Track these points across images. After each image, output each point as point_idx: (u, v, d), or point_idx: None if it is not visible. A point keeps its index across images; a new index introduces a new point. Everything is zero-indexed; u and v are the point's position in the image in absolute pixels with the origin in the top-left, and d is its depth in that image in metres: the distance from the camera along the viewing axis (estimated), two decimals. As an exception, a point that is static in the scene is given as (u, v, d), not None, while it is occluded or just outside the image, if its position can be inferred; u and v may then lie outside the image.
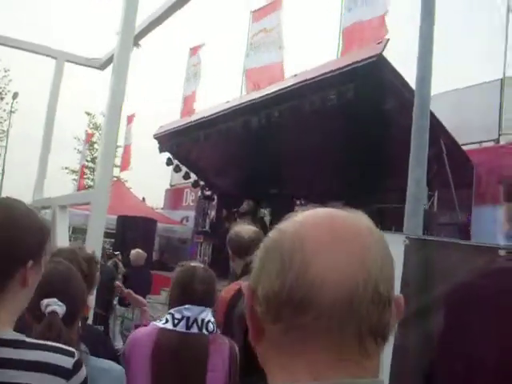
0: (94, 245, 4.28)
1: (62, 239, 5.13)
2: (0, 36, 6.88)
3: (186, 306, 3.06)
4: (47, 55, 7.11)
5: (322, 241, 0.91)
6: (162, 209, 27.86)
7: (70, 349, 1.63)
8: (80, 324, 2.34)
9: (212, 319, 3.13)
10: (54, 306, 2.01)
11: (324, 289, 0.85)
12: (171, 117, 21.37)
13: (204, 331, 3.07)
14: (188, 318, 3.05)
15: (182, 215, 24.72)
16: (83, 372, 1.63)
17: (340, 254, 0.89)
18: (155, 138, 18.83)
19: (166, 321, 3.08)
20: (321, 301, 0.85)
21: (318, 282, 0.86)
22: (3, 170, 35.40)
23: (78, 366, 1.61)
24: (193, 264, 3.30)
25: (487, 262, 3.92)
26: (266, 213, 19.62)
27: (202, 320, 3.07)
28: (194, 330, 3.05)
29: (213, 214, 21.27)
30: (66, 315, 2.03)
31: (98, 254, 4.01)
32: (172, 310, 3.10)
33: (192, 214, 23.41)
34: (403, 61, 11.09)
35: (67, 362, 1.58)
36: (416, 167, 6.02)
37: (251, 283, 0.97)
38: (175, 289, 3.18)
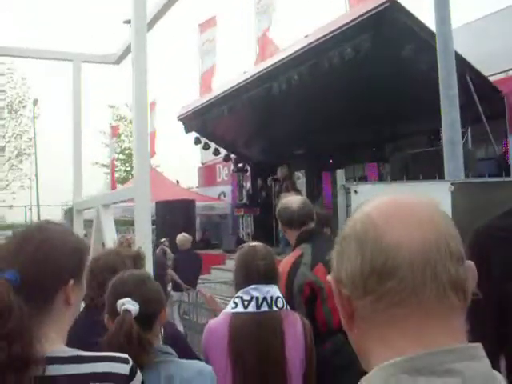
0: (143, 239, 4.33)
1: (109, 237, 5.20)
2: (17, 48, 6.92)
3: (253, 286, 3.11)
4: (64, 59, 7.13)
5: (390, 213, 0.98)
6: (197, 188, 27.98)
7: (124, 356, 1.67)
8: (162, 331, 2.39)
9: (280, 295, 3.17)
10: (128, 304, 2.06)
11: (401, 252, 0.91)
12: (191, 97, 21.36)
13: (274, 308, 3.11)
14: (257, 298, 3.09)
15: (219, 191, 24.80)
16: (139, 376, 1.67)
17: (409, 221, 0.96)
18: (179, 120, 18.84)
19: (236, 305, 3.13)
20: (400, 263, 0.91)
21: (394, 247, 0.92)
22: (36, 175, 35.99)
23: (133, 370, 1.65)
24: (252, 244, 3.35)
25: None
26: (300, 175, 19.62)
27: (271, 297, 3.11)
28: (265, 308, 3.09)
29: (248, 185, 21.29)
30: (142, 316, 2.08)
31: (149, 248, 4.07)
32: (240, 293, 3.15)
33: (228, 188, 23.46)
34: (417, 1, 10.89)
35: (124, 369, 1.62)
36: (448, 109, 5.94)
37: (334, 274, 1.02)
38: (239, 270, 3.24)
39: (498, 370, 2.16)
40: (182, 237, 11.78)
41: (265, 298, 3.09)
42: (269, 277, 3.16)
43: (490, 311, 2.08)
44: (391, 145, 16.14)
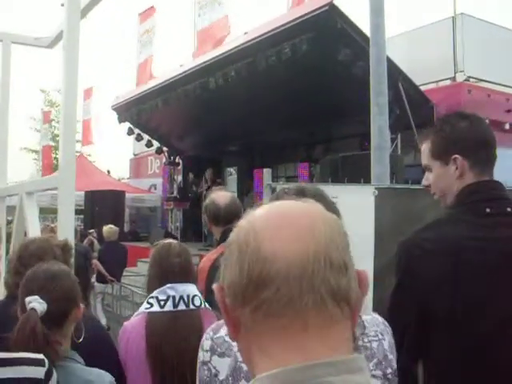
0: (66, 229, 4.26)
1: (32, 226, 5.07)
2: None
3: (169, 285, 3.06)
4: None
5: (272, 221, 0.98)
6: (129, 179, 27.69)
7: (40, 357, 1.62)
8: (75, 328, 2.32)
9: (198, 293, 3.13)
10: (34, 303, 2.00)
11: (277, 261, 0.91)
12: (128, 87, 21.13)
13: (192, 306, 3.07)
14: (174, 297, 3.05)
15: (149, 183, 24.63)
16: (55, 378, 1.64)
17: (288, 231, 0.95)
18: (113, 109, 18.60)
19: (151, 305, 3.07)
20: (276, 274, 0.90)
21: (271, 256, 0.91)
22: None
23: (49, 373, 1.61)
24: (167, 241, 3.31)
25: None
26: (232, 171, 19.66)
27: (188, 296, 3.07)
28: (182, 307, 3.04)
29: (179, 178, 21.22)
30: (50, 315, 2.02)
31: (71, 239, 3.98)
32: (155, 293, 3.08)
33: (159, 181, 23.29)
34: (355, 7, 11.05)
35: (39, 373, 1.57)
36: (377, 115, 6.05)
37: (220, 282, 1.02)
38: (153, 267, 3.19)
39: (416, 377, 2.21)
40: (109, 228, 11.66)
41: (181, 297, 3.05)
42: (184, 275, 3.12)
43: (410, 322, 2.13)
44: (324, 146, 16.37)
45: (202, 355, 1.86)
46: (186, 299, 3.06)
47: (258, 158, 18.21)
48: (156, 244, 3.31)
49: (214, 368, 1.81)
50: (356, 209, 4.06)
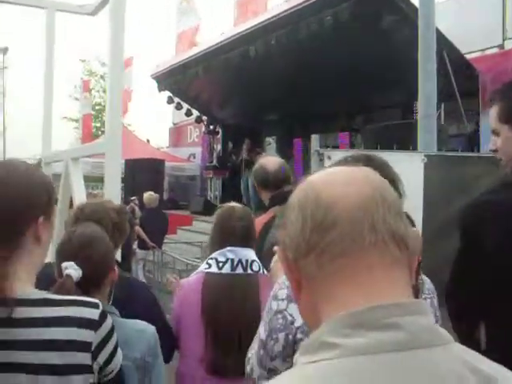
0: (113, 195, 4.28)
1: (78, 191, 5.12)
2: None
3: (229, 248, 3.08)
4: (37, 6, 6.93)
5: (328, 177, 1.05)
6: (168, 148, 27.81)
7: (94, 300, 1.65)
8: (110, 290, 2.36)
9: (256, 259, 3.14)
10: (70, 269, 2.03)
11: (338, 205, 0.95)
12: (167, 56, 21.15)
13: (249, 271, 3.08)
14: (232, 260, 3.07)
15: (189, 152, 24.69)
16: (109, 321, 1.66)
17: (345, 180, 1.01)
18: (153, 78, 18.63)
19: (209, 265, 3.09)
20: (339, 216, 0.94)
21: (331, 202, 0.96)
22: (4, 128, 35.31)
23: (103, 316, 1.63)
24: (231, 204, 3.31)
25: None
26: (271, 141, 19.61)
27: (247, 260, 3.09)
28: (240, 271, 3.06)
29: (219, 147, 21.24)
30: (86, 280, 2.04)
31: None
32: (214, 254, 3.11)
33: (198, 150, 23.37)
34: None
35: (93, 314, 1.60)
36: (426, 82, 5.93)
37: (280, 240, 1.06)
38: (215, 230, 3.20)
39: (479, 338, 2.21)
40: (149, 195, 11.75)
41: (240, 261, 3.06)
42: (246, 239, 3.13)
43: (477, 286, 2.11)
44: (364, 116, 16.20)
45: (275, 304, 1.94)
46: (244, 263, 3.08)
47: (297, 127, 18.10)
48: (220, 207, 3.32)
49: (291, 315, 1.89)
50: (404, 176, 4.00)
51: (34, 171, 1.73)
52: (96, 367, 1.59)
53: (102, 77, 38.56)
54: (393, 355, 0.84)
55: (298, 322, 1.86)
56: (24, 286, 1.57)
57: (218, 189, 20.09)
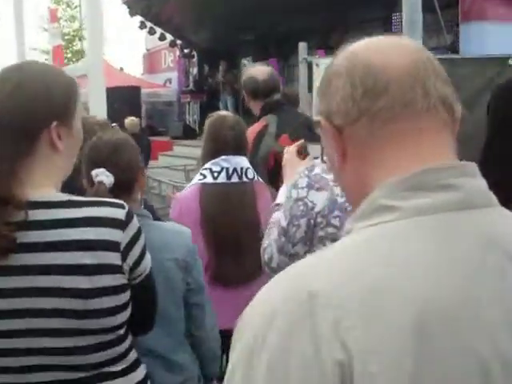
0: (99, 115, 4.25)
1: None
2: None
3: (223, 157, 3.06)
4: None
5: (372, 45, 1.01)
6: (143, 75, 27.38)
7: (120, 201, 1.61)
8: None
9: (250, 166, 3.14)
10: (102, 176, 2.02)
11: (389, 70, 0.93)
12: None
13: (245, 179, 3.09)
14: (227, 169, 3.06)
15: (164, 78, 24.33)
16: (136, 222, 1.63)
17: (392, 46, 0.98)
18: (124, 3, 18.17)
19: (204, 176, 3.08)
20: (390, 80, 0.92)
21: (382, 67, 0.94)
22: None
23: (130, 215, 1.60)
24: (222, 113, 3.29)
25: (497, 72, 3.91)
26: (246, 63, 19.38)
27: (241, 168, 3.08)
28: (235, 179, 3.06)
29: (195, 71, 20.96)
30: (118, 185, 2.04)
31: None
32: (208, 164, 3.09)
33: (174, 75, 23.04)
34: None
35: (120, 214, 1.57)
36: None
37: (322, 111, 1.02)
38: (207, 140, 3.17)
39: None
40: (131, 120, 11.67)
41: (235, 169, 3.06)
42: (239, 147, 3.11)
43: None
44: (340, 32, 15.93)
45: (295, 193, 2.06)
46: (239, 171, 3.08)
47: (272, 48, 17.84)
48: (210, 116, 3.29)
49: (311, 202, 2.03)
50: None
51: (53, 73, 1.64)
52: (126, 268, 1.58)
53: (68, 5, 37.50)
54: (452, 215, 0.85)
55: (318, 207, 2.00)
56: (43, 189, 1.54)
57: (196, 112, 19.94)
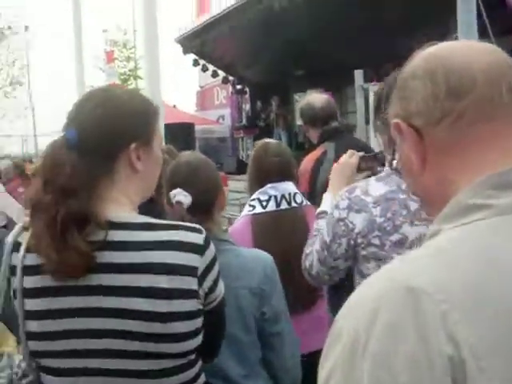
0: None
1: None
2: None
3: (270, 185, 3.04)
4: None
5: (452, 46, 1.00)
6: (196, 112, 27.79)
7: (198, 226, 1.60)
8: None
9: (297, 190, 3.11)
10: (179, 196, 2.03)
11: (473, 68, 0.91)
12: (186, 19, 21.03)
13: (294, 204, 3.05)
14: (275, 196, 3.03)
15: (217, 114, 24.63)
16: (213, 247, 1.61)
17: (473, 47, 0.97)
18: (177, 42, 18.58)
19: (253, 207, 3.07)
20: (476, 78, 0.90)
21: (466, 65, 0.92)
22: (31, 104, 35.84)
23: (207, 241, 1.59)
24: (265, 140, 3.29)
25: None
26: (297, 98, 19.44)
27: (289, 194, 3.06)
28: (284, 206, 3.03)
29: (247, 107, 21.16)
30: (197, 206, 2.05)
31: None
32: (256, 194, 3.08)
33: (226, 111, 23.31)
34: None
35: (198, 239, 1.56)
36: (465, 12, 5.76)
37: (399, 113, 1.00)
38: (252, 168, 3.16)
39: None
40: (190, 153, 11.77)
41: (283, 196, 3.04)
42: (284, 174, 3.08)
43: None
44: (392, 65, 15.85)
45: (337, 213, 2.16)
46: (287, 197, 3.04)
47: (324, 81, 17.88)
48: (256, 144, 3.30)
49: (351, 223, 2.11)
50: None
51: (135, 96, 1.68)
52: (202, 294, 1.57)
53: (124, 46, 38.53)
54: None
55: (358, 228, 2.09)
56: (124, 209, 1.56)
57: (249, 148, 20.04)
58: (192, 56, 18.89)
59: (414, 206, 2.02)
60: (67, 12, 6.75)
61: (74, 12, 6.77)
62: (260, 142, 3.29)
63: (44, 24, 66.32)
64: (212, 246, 1.61)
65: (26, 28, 37.20)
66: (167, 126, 18.40)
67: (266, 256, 2.32)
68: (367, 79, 15.01)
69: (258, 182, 3.11)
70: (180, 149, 11.45)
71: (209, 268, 1.59)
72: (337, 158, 3.51)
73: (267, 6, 13.15)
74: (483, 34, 10.49)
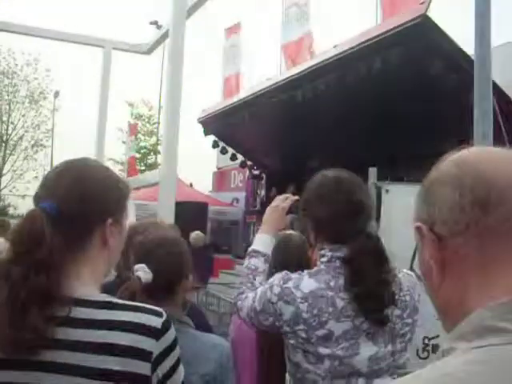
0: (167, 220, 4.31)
1: (130, 222, 5.16)
2: (48, 30, 6.95)
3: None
4: (94, 45, 7.14)
5: (482, 154, 0.97)
6: (211, 192, 27.98)
7: (159, 309, 1.58)
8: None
9: None
10: (140, 271, 2.01)
11: (504, 181, 0.88)
12: (214, 100, 21.46)
13: None
14: None
15: (231, 197, 24.75)
16: (172, 332, 1.58)
17: (504, 157, 0.94)
18: (199, 122, 18.88)
19: None
20: (506, 193, 0.87)
21: (497, 177, 0.89)
22: (51, 167, 36.18)
23: (167, 325, 1.55)
24: (288, 232, 3.31)
25: None
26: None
27: None
28: None
29: (263, 193, 21.25)
30: (158, 284, 2.01)
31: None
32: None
33: (241, 195, 23.43)
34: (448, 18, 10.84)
35: (156, 322, 1.53)
36: (481, 120, 5.81)
37: (423, 218, 0.98)
38: (274, 257, 3.18)
39: None
40: (196, 235, 11.91)
41: None
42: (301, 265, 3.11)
43: None
44: (407, 163, 15.99)
45: (269, 294, 2.23)
46: None
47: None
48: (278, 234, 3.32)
49: (280, 310, 2.18)
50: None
51: (109, 172, 1.72)
52: (155, 380, 1.51)
53: (148, 120, 39.30)
54: None
55: (286, 317, 2.16)
56: (87, 287, 1.55)
57: (260, 233, 20.02)
58: (212, 137, 19.14)
59: (340, 303, 2.13)
60: (96, 81, 6.88)
61: (101, 86, 6.91)
62: (282, 233, 3.30)
63: (72, 89, 68.04)
64: (172, 330, 1.58)
65: (57, 94, 38.08)
66: (181, 204, 18.61)
67: (223, 343, 2.29)
68: (381, 177, 15.18)
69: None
70: (191, 228, 11.49)
71: (165, 353, 1.55)
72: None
73: (291, 95, 13.38)
74: (500, 141, 10.64)
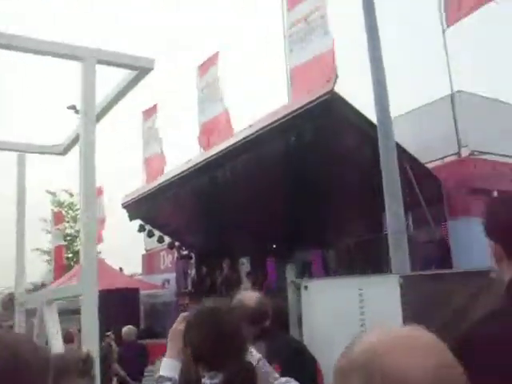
0: (90, 337, 4.23)
1: (52, 334, 5.04)
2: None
3: None
4: (5, 149, 7.04)
5: (393, 342, 0.97)
6: (141, 275, 27.53)
7: None
8: None
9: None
10: None
11: (411, 377, 0.89)
12: (135, 182, 21.42)
13: None
14: None
15: (162, 279, 24.42)
16: None
17: (413, 347, 0.95)
18: (123, 207, 18.75)
19: None
20: None
21: (402, 374, 0.90)
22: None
23: None
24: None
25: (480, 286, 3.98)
26: (244, 261, 19.56)
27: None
28: None
29: (193, 272, 21.09)
30: None
31: (96, 347, 3.97)
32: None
33: (172, 276, 23.15)
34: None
35: None
36: (392, 202, 6.06)
37: None
38: None
39: None
40: (128, 329, 11.66)
41: None
42: None
43: None
44: (335, 231, 16.29)
45: None
46: None
47: (269, 246, 18.15)
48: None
49: None
50: (381, 297, 4.09)
51: (36, 352, 1.67)
52: None
53: (70, 207, 38.58)
54: None
55: None
56: None
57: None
58: (138, 221, 19.00)
59: None
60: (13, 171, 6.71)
61: (17, 179, 6.77)
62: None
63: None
64: None
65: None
66: (111, 292, 18.26)
67: None
68: (307, 251, 15.38)
69: None
70: (125, 314, 11.24)
71: None
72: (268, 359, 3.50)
73: (210, 176, 13.53)
74: (418, 205, 11.00)
